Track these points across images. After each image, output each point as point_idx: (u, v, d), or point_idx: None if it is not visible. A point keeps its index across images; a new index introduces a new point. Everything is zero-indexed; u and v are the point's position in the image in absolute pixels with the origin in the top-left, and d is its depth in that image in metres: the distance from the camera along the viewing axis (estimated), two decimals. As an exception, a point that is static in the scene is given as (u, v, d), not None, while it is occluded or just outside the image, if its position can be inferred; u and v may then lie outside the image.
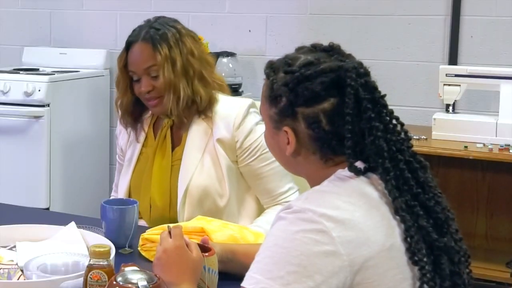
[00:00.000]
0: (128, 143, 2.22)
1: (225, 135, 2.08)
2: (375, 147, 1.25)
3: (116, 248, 1.63)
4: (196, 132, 2.10)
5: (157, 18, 2.14)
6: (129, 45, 2.10)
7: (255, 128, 2.09)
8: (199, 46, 2.16)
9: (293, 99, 1.28)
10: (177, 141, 2.14)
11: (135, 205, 1.86)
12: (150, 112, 2.19)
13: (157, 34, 2.07)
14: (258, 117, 2.11)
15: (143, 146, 2.18)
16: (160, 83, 2.06)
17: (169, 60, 2.05)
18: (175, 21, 2.15)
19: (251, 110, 2.11)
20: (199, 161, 2.07)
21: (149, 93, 2.08)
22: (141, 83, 2.08)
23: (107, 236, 1.78)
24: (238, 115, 2.08)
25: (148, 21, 2.13)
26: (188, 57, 2.08)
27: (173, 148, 2.14)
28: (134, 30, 2.12)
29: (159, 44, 2.06)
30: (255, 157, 2.08)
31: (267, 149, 2.05)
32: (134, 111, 2.17)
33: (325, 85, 1.27)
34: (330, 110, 1.27)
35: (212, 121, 2.10)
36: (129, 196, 2.14)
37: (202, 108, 2.08)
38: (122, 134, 2.25)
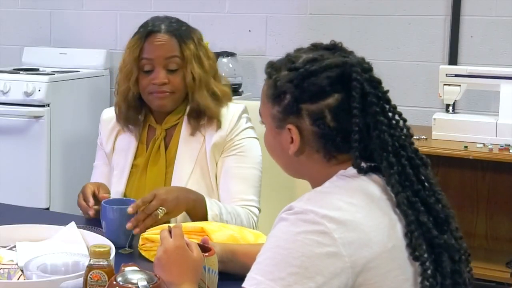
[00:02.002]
0: (113, 150, 2.17)
1: (219, 140, 2.06)
2: (380, 141, 1.25)
3: (116, 248, 1.63)
4: (187, 143, 2.07)
5: (170, 17, 2.11)
6: (148, 34, 2.04)
7: (245, 131, 2.09)
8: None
9: (298, 95, 1.28)
10: (168, 151, 2.10)
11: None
12: (142, 117, 2.13)
13: (181, 29, 2.06)
14: (248, 123, 2.11)
15: (134, 157, 2.13)
16: (177, 78, 2.03)
17: (196, 57, 2.05)
18: (187, 23, 2.15)
19: (243, 115, 2.11)
20: (190, 176, 2.04)
21: (161, 86, 2.03)
22: (155, 74, 2.02)
23: (107, 236, 1.78)
24: (232, 121, 2.07)
25: (159, 17, 2.11)
26: (209, 60, 2.10)
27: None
28: (148, 22, 2.07)
29: (186, 38, 2.05)
30: (231, 154, 2.06)
31: (245, 154, 2.05)
32: (138, 106, 2.11)
33: (331, 79, 1.27)
34: (335, 106, 1.27)
35: (205, 128, 2.07)
36: None
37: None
38: (106, 138, 2.19)
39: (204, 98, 2.05)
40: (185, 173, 2.05)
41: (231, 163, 2.05)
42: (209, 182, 2.06)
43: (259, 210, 2.06)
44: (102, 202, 1.87)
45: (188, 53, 2.04)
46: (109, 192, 2.02)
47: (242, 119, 2.10)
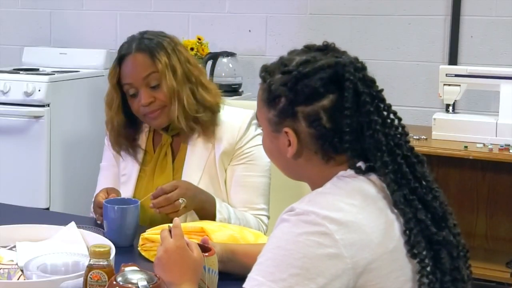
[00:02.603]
0: (120, 152, 2.13)
1: (227, 147, 2.04)
2: (373, 141, 1.25)
3: (116, 247, 1.63)
4: (195, 150, 2.06)
5: (144, 32, 2.07)
6: (121, 58, 2.02)
7: (254, 139, 2.07)
8: (191, 54, 2.14)
9: (293, 98, 1.28)
10: (176, 158, 2.09)
11: (137, 204, 1.86)
12: (143, 130, 2.13)
13: (152, 43, 2.01)
14: (258, 130, 2.08)
15: (142, 164, 2.12)
16: (161, 93, 1.99)
17: (169, 67, 2.00)
18: (163, 32, 2.10)
19: (253, 122, 2.09)
20: (199, 182, 2.02)
21: (150, 106, 2.00)
22: (140, 96, 2.00)
23: (107, 235, 1.78)
24: (241, 128, 2.05)
25: (133, 36, 2.07)
26: (187, 65, 2.04)
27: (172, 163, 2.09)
28: (122, 45, 2.05)
29: (156, 52, 2.00)
30: (241, 162, 2.05)
31: (254, 162, 2.05)
32: (128, 133, 2.09)
33: (324, 81, 1.27)
34: (330, 107, 1.27)
35: (214, 135, 2.05)
36: None
37: (207, 118, 2.03)
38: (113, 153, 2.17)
39: (173, 112, 2.01)
40: (193, 181, 2.02)
41: (240, 171, 2.05)
42: (218, 188, 2.05)
43: (268, 218, 2.07)
44: (104, 202, 1.87)
45: (160, 67, 1.99)
46: (119, 194, 2.01)
47: (252, 127, 2.08)
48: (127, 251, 1.78)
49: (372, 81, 1.29)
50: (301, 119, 1.28)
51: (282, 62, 1.32)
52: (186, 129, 2.03)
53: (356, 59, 1.30)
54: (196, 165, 2.05)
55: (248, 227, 1.94)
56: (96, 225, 1.92)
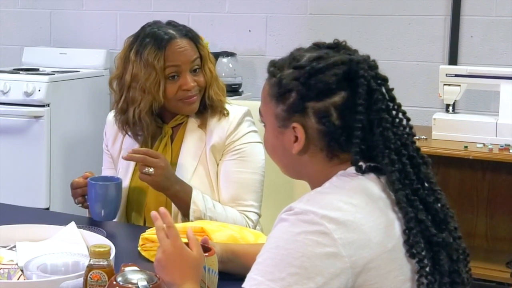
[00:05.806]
0: (120, 151, 2.16)
1: (218, 141, 2.06)
2: (383, 139, 1.25)
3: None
4: (191, 140, 2.08)
5: (170, 21, 2.11)
6: (167, 42, 2.01)
7: (247, 135, 2.08)
8: None
9: (305, 93, 1.28)
10: (173, 147, 2.11)
11: (119, 180, 2.00)
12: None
13: (191, 31, 2.09)
14: (251, 127, 2.10)
15: None
16: (201, 78, 2.06)
17: (208, 54, 2.11)
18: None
19: (246, 118, 2.10)
20: (194, 172, 2.05)
21: (191, 91, 2.04)
22: (184, 80, 2.02)
23: (96, 214, 1.94)
24: (232, 123, 2.07)
25: (160, 22, 2.09)
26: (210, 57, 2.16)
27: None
28: (157, 33, 2.02)
29: (198, 39, 2.09)
30: (233, 158, 2.05)
31: (246, 159, 2.05)
32: (147, 120, 2.06)
33: (338, 77, 1.27)
34: (341, 104, 1.27)
35: (207, 128, 2.08)
36: (126, 208, 2.11)
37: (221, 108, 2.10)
38: (113, 140, 2.19)
39: (216, 93, 2.09)
40: (188, 170, 2.05)
41: (231, 167, 2.05)
42: (211, 181, 2.06)
43: (259, 215, 2.06)
44: (88, 179, 1.96)
45: (204, 52, 2.09)
46: (94, 174, 2.06)
47: (244, 123, 2.09)
48: (127, 251, 1.78)
49: (385, 79, 1.29)
50: (311, 115, 1.28)
51: (294, 58, 1.32)
52: (221, 109, 2.09)
53: (369, 57, 1.31)
54: (192, 154, 2.07)
55: (229, 222, 1.94)
56: (96, 225, 1.92)
